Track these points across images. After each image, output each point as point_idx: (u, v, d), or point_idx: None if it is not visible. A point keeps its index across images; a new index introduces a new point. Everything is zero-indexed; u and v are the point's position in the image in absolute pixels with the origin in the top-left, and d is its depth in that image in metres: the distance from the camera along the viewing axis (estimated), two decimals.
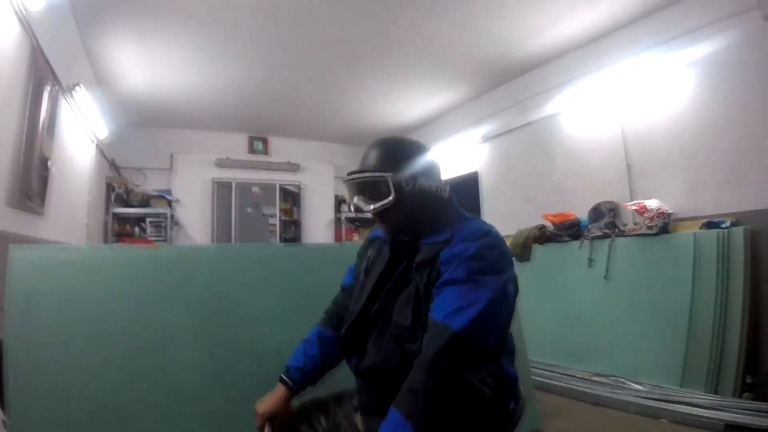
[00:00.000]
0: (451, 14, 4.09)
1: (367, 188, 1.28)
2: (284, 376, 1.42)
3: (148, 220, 6.35)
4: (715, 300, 3.30)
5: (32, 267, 1.94)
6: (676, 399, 3.19)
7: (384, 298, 1.27)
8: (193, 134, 7.10)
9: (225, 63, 4.90)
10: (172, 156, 6.96)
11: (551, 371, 3.97)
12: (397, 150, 1.30)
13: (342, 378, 1.51)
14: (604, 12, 4.12)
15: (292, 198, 7.73)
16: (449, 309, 1.06)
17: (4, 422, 2.18)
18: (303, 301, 2.22)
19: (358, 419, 1.39)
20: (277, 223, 7.32)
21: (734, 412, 2.91)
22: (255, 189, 7.28)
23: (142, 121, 6.44)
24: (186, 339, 2.09)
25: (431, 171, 1.31)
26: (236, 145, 7.45)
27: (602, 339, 3.96)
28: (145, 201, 6.44)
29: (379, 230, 1.46)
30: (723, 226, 3.42)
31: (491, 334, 1.09)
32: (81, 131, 4.56)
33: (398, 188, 1.23)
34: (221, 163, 7.15)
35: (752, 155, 3.43)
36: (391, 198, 1.23)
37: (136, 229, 6.30)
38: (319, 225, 7.83)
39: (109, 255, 2.17)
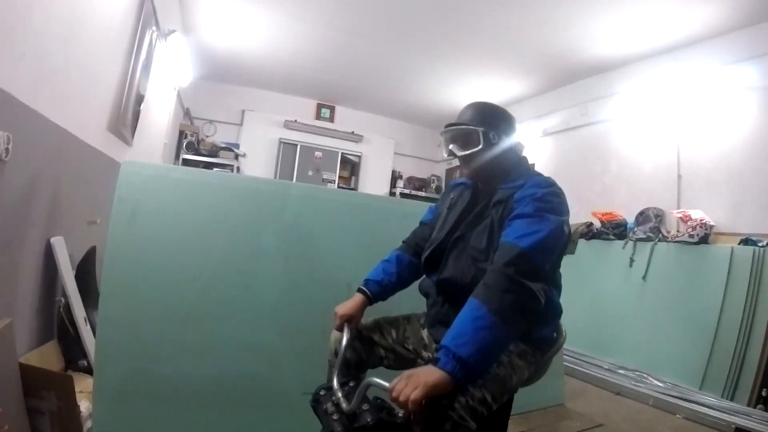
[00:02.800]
0: (531, 7, 4.22)
1: (461, 137, 1.58)
2: (363, 287, 1.69)
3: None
4: (743, 313, 3.43)
5: (141, 182, 2.08)
6: (694, 399, 3.37)
7: (464, 228, 1.56)
8: (264, 94, 7.51)
9: (304, 25, 5.06)
10: (243, 112, 7.41)
11: (580, 359, 4.21)
12: (488, 110, 1.60)
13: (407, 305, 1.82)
14: (677, 27, 4.22)
15: (351, 167, 8.07)
16: (518, 234, 1.31)
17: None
18: (374, 245, 2.50)
19: (424, 333, 1.69)
20: (335, 188, 7.62)
21: (746, 419, 3.07)
22: (318, 154, 7.66)
23: (218, 75, 6.87)
24: (272, 264, 2.35)
25: (512, 131, 1.61)
26: (304, 110, 7.81)
27: (632, 335, 4.16)
28: (214, 151, 6.86)
29: (459, 180, 1.79)
30: (760, 244, 3.55)
31: (547, 258, 1.33)
32: (167, 76, 4.84)
33: (486, 139, 1.53)
34: (289, 125, 7.55)
35: None
36: (480, 146, 1.53)
37: None
38: None
39: (211, 180, 2.35)
